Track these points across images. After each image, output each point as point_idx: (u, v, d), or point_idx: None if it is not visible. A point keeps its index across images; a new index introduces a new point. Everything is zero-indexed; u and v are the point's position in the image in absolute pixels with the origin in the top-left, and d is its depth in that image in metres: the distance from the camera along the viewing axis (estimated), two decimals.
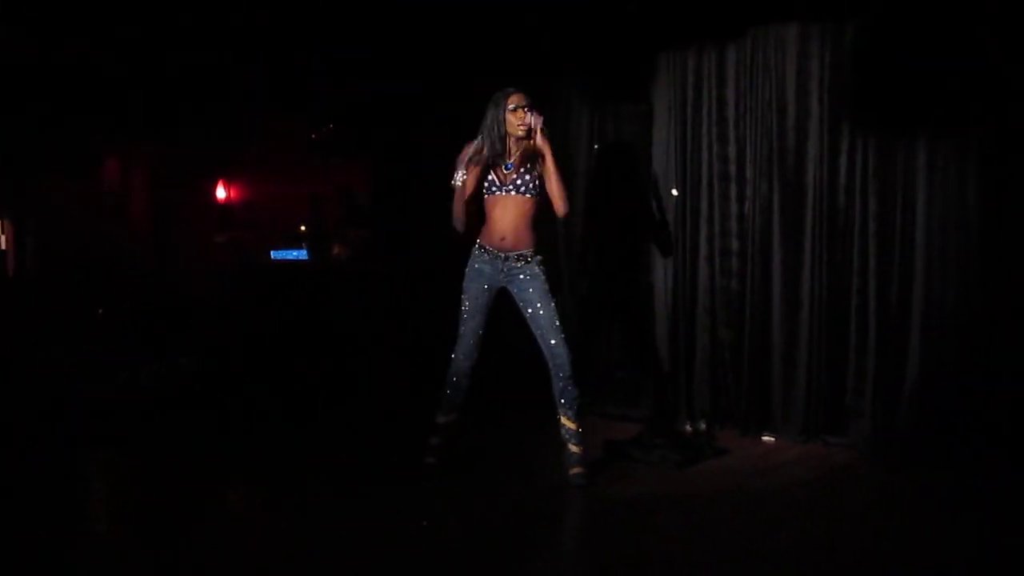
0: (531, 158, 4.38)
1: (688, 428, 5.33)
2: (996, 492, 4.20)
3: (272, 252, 8.13)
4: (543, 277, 4.40)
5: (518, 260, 4.40)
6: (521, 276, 4.40)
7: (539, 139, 4.31)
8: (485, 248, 4.45)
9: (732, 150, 5.39)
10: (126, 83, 6.91)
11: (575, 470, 4.38)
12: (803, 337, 5.13)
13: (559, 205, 4.36)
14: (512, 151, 4.40)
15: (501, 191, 4.38)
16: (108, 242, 8.27)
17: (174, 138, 8.07)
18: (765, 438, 5.25)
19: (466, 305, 4.47)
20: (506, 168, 4.39)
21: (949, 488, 4.33)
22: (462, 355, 4.48)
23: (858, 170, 4.95)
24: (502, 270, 4.42)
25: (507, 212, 4.38)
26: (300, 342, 7.15)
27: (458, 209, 4.37)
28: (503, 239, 4.39)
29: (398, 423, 5.53)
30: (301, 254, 8.08)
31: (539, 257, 4.44)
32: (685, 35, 5.50)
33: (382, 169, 7.35)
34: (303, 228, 8.34)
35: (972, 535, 3.76)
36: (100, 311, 7.12)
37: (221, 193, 8.99)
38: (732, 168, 5.40)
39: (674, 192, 5.61)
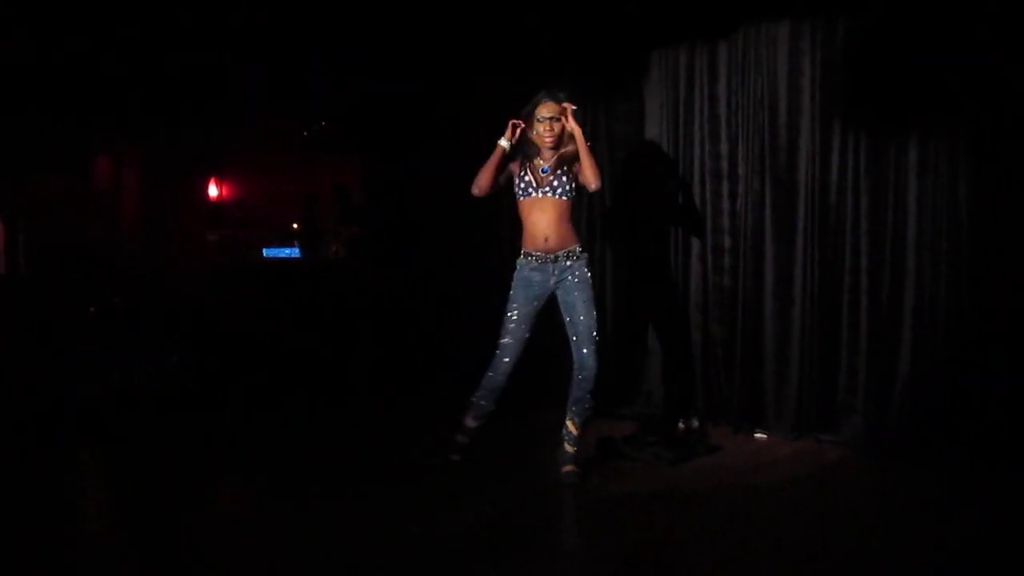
0: (566, 161, 4.41)
1: (681, 425, 5.35)
2: (988, 489, 4.24)
3: (265, 250, 8.13)
4: (590, 283, 4.42)
5: (567, 258, 4.41)
6: (569, 278, 4.40)
7: (571, 122, 4.34)
8: (531, 254, 4.43)
9: (724, 147, 5.42)
10: (126, 83, 6.89)
11: (568, 468, 4.42)
12: (795, 334, 5.16)
13: (591, 179, 4.34)
14: (547, 154, 4.43)
15: (538, 192, 4.39)
16: (101, 240, 8.24)
17: (173, 138, 8.06)
18: (757, 435, 5.29)
19: (514, 314, 4.43)
20: (543, 171, 4.41)
21: (940, 485, 4.37)
22: (502, 370, 4.44)
23: (850, 167, 4.98)
24: (553, 273, 4.41)
25: (545, 213, 4.39)
26: (293, 340, 7.15)
27: (486, 172, 4.37)
28: (547, 239, 4.39)
29: (396, 423, 5.55)
30: (293, 252, 8.08)
31: (586, 255, 4.47)
32: (677, 33, 5.52)
33: (378, 168, 7.35)
34: (295, 226, 8.32)
35: (963, 533, 3.78)
36: (92, 310, 7.09)
37: (213, 191, 8.96)
38: (724, 165, 5.42)
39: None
